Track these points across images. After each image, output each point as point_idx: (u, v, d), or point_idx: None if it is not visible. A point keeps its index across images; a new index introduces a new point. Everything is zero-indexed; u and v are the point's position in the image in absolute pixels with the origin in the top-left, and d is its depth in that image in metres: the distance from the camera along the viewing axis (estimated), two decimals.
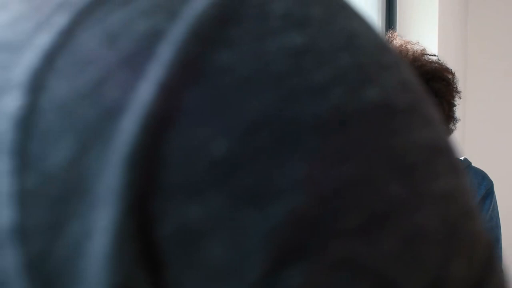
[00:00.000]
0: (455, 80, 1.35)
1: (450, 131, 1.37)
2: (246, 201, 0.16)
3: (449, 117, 1.34)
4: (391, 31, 1.48)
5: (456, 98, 1.36)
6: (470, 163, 1.47)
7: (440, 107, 1.32)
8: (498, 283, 0.20)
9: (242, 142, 0.17)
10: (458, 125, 2.83)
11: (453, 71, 1.36)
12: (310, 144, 0.17)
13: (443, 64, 1.35)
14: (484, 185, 1.45)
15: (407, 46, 1.33)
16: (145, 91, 0.17)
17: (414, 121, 0.19)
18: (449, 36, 2.94)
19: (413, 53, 1.32)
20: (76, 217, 0.17)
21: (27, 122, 0.18)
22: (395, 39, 1.38)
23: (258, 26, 0.18)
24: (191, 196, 0.16)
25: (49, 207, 0.17)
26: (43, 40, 0.18)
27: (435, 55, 1.36)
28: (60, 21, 0.19)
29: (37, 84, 0.18)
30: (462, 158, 1.47)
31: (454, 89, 1.34)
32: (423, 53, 1.33)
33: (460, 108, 3.29)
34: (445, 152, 0.19)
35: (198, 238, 0.16)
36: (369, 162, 0.17)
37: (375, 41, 0.20)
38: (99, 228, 0.16)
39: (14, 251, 0.17)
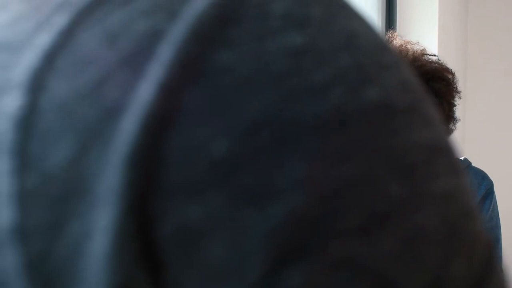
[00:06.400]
0: (455, 80, 1.35)
1: (450, 131, 1.37)
2: (246, 201, 0.16)
3: (449, 117, 1.34)
4: (391, 31, 1.47)
5: (456, 98, 1.36)
6: (470, 163, 1.47)
7: (440, 107, 1.32)
8: (498, 283, 0.20)
9: (242, 142, 0.17)
10: (458, 125, 2.83)
11: (453, 71, 1.36)
12: (310, 144, 0.17)
13: (443, 64, 1.35)
14: (484, 185, 1.45)
15: (407, 46, 1.33)
16: (145, 91, 0.17)
17: (414, 121, 0.19)
18: (449, 36, 2.94)
19: (413, 53, 1.32)
20: (76, 217, 0.17)
21: (27, 122, 0.18)
22: (395, 39, 1.38)
23: (258, 26, 0.18)
24: (191, 196, 0.16)
25: (49, 207, 0.17)
26: (43, 40, 0.18)
27: (435, 55, 1.36)
28: (60, 21, 0.19)
29: (37, 84, 0.18)
30: (462, 158, 1.47)
31: (454, 89, 1.34)
32: (423, 53, 1.33)
33: (460, 108, 3.29)
34: (445, 152, 0.19)
35: (198, 238, 0.16)
36: (369, 162, 0.17)
37: (375, 41, 0.20)
38: (99, 228, 0.16)
39: (14, 251, 0.17)
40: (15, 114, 0.18)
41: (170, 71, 0.17)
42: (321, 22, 0.19)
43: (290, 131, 0.17)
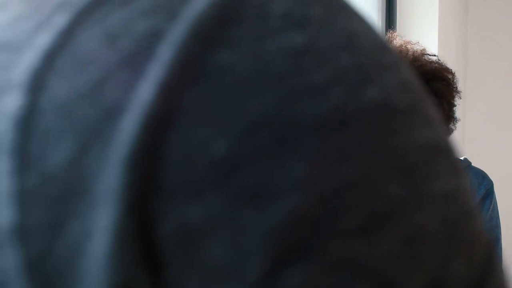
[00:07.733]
0: (455, 80, 1.35)
1: (450, 131, 1.37)
2: (246, 201, 0.16)
3: (449, 117, 1.34)
4: (391, 31, 1.47)
5: (456, 98, 1.36)
6: (470, 163, 1.47)
7: (440, 107, 1.32)
8: (498, 283, 0.20)
9: (242, 142, 0.17)
10: (458, 125, 2.83)
11: (453, 71, 1.37)
12: (310, 144, 0.17)
13: (443, 64, 1.35)
14: (484, 185, 1.45)
15: (407, 46, 1.33)
16: (145, 91, 0.17)
17: (414, 121, 0.19)
18: (449, 36, 2.94)
19: (413, 53, 1.32)
20: (76, 217, 0.17)
21: (27, 122, 0.18)
22: (395, 39, 1.38)
23: (258, 26, 0.18)
24: (191, 196, 0.16)
25: (49, 207, 0.17)
26: (43, 40, 0.18)
27: (435, 55, 1.36)
28: (60, 21, 0.19)
29: (37, 84, 0.18)
30: (462, 158, 1.47)
31: (454, 89, 1.34)
32: (423, 53, 1.33)
33: (460, 108, 3.29)
34: (445, 152, 0.19)
35: (198, 238, 0.16)
36: (369, 162, 0.17)
37: (375, 41, 0.20)
38: (99, 228, 0.16)
39: (14, 251, 0.17)
40: (15, 114, 0.18)
41: (170, 71, 0.17)
42: (321, 22, 0.19)
43: (290, 131, 0.17)
